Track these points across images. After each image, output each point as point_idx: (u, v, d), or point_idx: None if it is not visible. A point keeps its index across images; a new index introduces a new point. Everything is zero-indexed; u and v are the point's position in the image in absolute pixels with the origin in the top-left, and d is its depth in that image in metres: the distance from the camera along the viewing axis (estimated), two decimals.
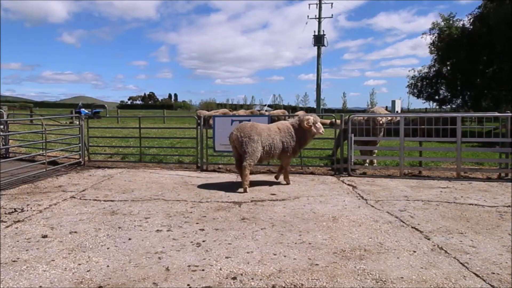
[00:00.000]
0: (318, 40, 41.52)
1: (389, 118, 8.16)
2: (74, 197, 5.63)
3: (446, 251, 3.56)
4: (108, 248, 3.61)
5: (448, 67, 23.75)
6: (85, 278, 2.99)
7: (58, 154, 9.23)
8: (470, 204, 5.29)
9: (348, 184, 6.66)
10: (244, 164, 6.04)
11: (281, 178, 6.82)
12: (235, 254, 3.49)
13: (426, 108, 40.02)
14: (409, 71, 26.87)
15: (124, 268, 3.18)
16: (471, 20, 21.90)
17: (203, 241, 3.81)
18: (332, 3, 42.09)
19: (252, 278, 2.99)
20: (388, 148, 8.72)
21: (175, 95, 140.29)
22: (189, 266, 3.23)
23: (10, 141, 10.60)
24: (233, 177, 7.24)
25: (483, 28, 19.52)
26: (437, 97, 25.72)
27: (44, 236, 3.94)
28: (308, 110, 66.31)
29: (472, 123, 9.40)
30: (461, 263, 3.29)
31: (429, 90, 25.67)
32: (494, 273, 3.09)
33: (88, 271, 3.12)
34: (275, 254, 3.48)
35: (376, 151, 8.45)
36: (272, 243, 3.77)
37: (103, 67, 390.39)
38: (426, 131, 8.06)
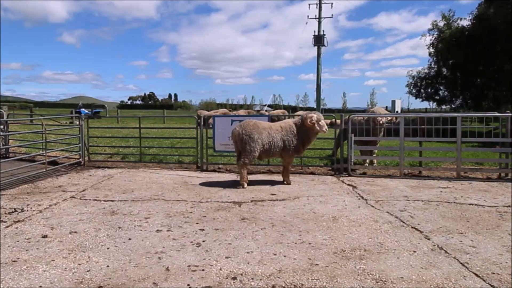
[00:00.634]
0: (318, 40, 41.56)
1: (389, 118, 8.16)
2: (74, 197, 5.63)
3: (446, 251, 3.56)
4: (108, 248, 3.61)
5: (448, 67, 23.73)
6: (85, 278, 2.99)
7: (58, 154, 9.23)
8: (470, 204, 5.29)
9: (348, 184, 6.66)
10: (239, 162, 6.36)
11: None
12: (235, 254, 3.49)
13: (426, 108, 40.04)
14: (408, 71, 26.82)
15: (124, 268, 3.18)
16: (471, 20, 21.90)
17: (203, 241, 3.81)
18: (332, 3, 42.19)
19: (252, 278, 2.99)
20: (388, 148, 8.72)
21: (175, 95, 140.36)
22: (189, 266, 3.23)
23: (10, 141, 10.60)
24: (233, 177, 7.24)
25: (483, 28, 19.50)
26: (437, 97, 25.70)
27: (44, 236, 3.94)
28: (308, 110, 66.25)
29: (472, 123, 9.40)
30: (461, 263, 3.29)
31: (429, 90, 25.65)
32: (494, 273, 3.09)
33: (88, 271, 3.12)
34: (275, 254, 3.48)
35: (376, 151, 8.45)
36: (272, 243, 3.77)
37: (103, 67, 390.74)
38: (426, 131, 8.06)
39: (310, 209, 5.00)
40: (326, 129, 6.55)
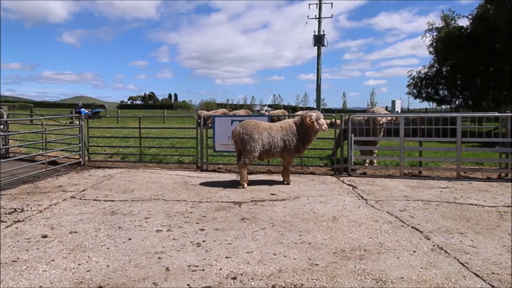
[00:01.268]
0: (318, 40, 41.50)
1: (389, 118, 8.16)
2: (74, 197, 5.63)
3: (446, 251, 3.56)
4: (108, 248, 3.61)
5: (448, 67, 23.73)
6: (85, 278, 2.99)
7: (58, 154, 9.23)
8: (470, 204, 5.29)
9: (348, 184, 6.66)
10: (239, 162, 6.38)
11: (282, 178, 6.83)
12: (235, 254, 3.49)
13: (426, 108, 40.01)
14: (408, 72, 26.76)
15: (124, 268, 3.18)
16: (471, 20, 21.89)
17: (203, 241, 3.81)
18: (332, 3, 42.08)
19: (252, 278, 2.99)
20: (388, 148, 8.72)
21: (175, 95, 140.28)
22: (189, 266, 3.23)
23: (10, 141, 10.60)
24: (233, 177, 7.24)
25: (483, 28, 19.50)
26: (437, 97, 25.69)
27: (44, 236, 3.94)
28: (308, 110, 66.20)
29: (472, 123, 9.40)
30: (461, 263, 3.29)
31: (429, 90, 25.64)
32: (494, 273, 3.09)
33: (88, 271, 3.12)
34: (275, 254, 3.48)
35: (376, 151, 8.45)
36: (272, 243, 3.77)
37: (103, 67, 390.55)
38: (426, 131, 8.06)
39: (310, 209, 5.00)
40: (325, 127, 6.56)
